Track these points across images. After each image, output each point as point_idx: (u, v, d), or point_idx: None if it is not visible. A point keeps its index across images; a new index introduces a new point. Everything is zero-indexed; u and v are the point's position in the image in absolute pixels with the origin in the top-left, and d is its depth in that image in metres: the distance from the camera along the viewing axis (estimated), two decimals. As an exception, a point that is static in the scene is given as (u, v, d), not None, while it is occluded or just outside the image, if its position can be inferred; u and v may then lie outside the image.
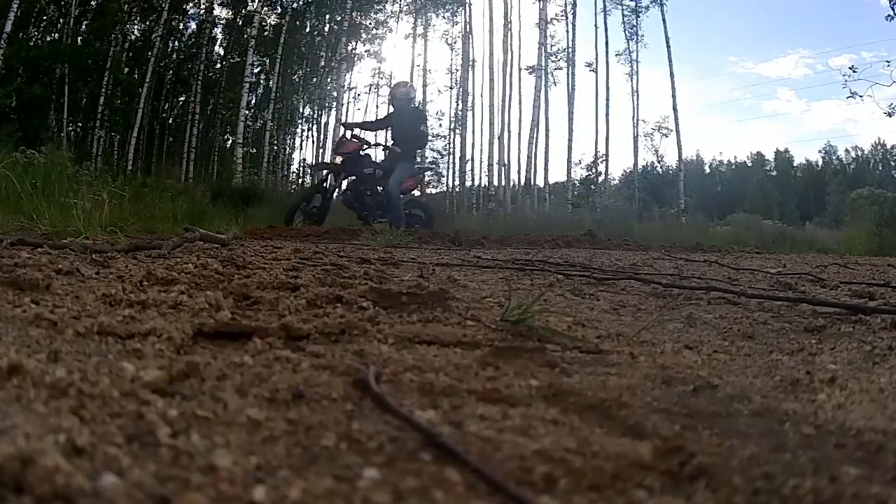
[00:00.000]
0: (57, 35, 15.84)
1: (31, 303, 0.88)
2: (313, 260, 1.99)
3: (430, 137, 8.43)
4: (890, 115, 11.38)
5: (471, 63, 20.22)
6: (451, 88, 20.94)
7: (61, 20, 15.91)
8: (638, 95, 18.35)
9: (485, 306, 1.21)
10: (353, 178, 7.47)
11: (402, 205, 7.15)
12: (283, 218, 7.00)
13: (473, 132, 20.66)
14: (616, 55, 18.95)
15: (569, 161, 17.58)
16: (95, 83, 15.67)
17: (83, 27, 16.47)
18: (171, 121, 19.24)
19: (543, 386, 0.67)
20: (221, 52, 19.39)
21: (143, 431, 0.46)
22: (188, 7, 18.10)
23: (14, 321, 0.77)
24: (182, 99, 19.12)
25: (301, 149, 21.23)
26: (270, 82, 18.43)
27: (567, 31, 18.87)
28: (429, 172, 21.60)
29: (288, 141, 20.26)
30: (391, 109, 7.93)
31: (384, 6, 20.47)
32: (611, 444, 0.51)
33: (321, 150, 19.71)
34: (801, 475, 0.46)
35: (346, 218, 8.09)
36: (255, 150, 18.40)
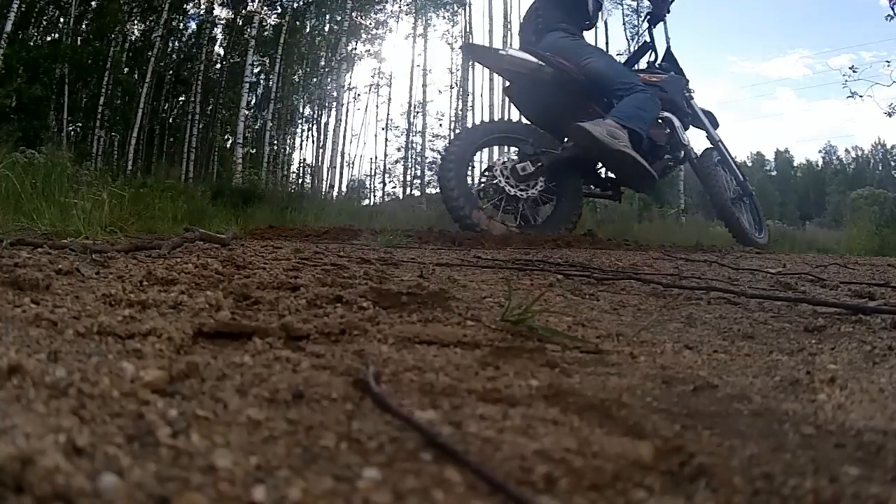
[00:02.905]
0: (57, 35, 15.85)
1: (31, 303, 0.88)
2: (313, 260, 1.99)
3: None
4: (890, 115, 11.40)
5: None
6: (451, 88, 21.00)
7: (61, 20, 15.92)
8: (638, 95, 18.36)
9: (485, 306, 1.21)
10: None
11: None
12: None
13: (473, 132, 20.68)
14: (617, 55, 18.97)
15: (569, 161, 17.55)
16: (95, 83, 15.69)
17: (83, 27, 16.48)
18: (171, 121, 19.26)
19: (543, 386, 0.67)
20: (221, 52, 19.43)
21: (143, 431, 0.46)
22: (188, 7, 18.12)
23: (14, 321, 0.77)
24: (182, 99, 19.14)
25: (301, 149, 21.29)
26: (270, 82, 18.45)
27: (567, 31, 18.87)
28: (429, 172, 21.59)
29: (288, 141, 20.29)
30: None
31: (384, 6, 20.51)
32: (611, 444, 0.51)
33: (321, 150, 19.74)
34: (801, 475, 0.46)
35: (343, 216, 7.62)
36: (255, 150, 18.41)
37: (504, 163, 4.34)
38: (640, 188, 4.70)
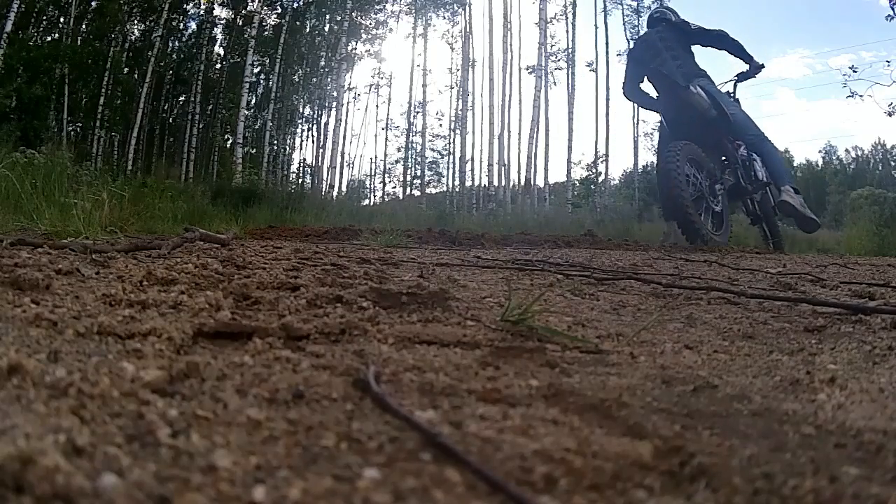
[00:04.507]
0: (57, 35, 15.85)
1: (31, 303, 0.88)
2: (313, 260, 1.99)
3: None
4: (890, 114, 11.39)
5: (471, 63, 20.28)
6: (451, 88, 21.01)
7: (61, 20, 15.92)
8: (639, 95, 18.37)
9: (485, 306, 1.21)
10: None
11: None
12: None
13: (473, 132, 20.74)
14: (616, 55, 19.01)
15: (569, 161, 17.64)
16: (95, 83, 15.68)
17: (83, 27, 16.47)
18: (171, 121, 19.25)
19: (543, 386, 0.67)
20: (221, 52, 19.42)
21: (143, 431, 0.46)
22: (188, 7, 18.11)
23: (14, 321, 0.77)
24: (182, 99, 19.13)
25: (301, 149, 21.27)
26: (270, 82, 18.45)
27: (567, 31, 18.95)
28: (429, 172, 21.58)
29: (288, 141, 20.28)
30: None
31: (384, 6, 20.51)
32: (611, 444, 0.51)
33: (321, 150, 19.70)
34: (801, 475, 0.46)
35: (343, 216, 7.55)
36: (255, 150, 18.41)
37: (705, 181, 5.21)
38: (809, 231, 5.80)
